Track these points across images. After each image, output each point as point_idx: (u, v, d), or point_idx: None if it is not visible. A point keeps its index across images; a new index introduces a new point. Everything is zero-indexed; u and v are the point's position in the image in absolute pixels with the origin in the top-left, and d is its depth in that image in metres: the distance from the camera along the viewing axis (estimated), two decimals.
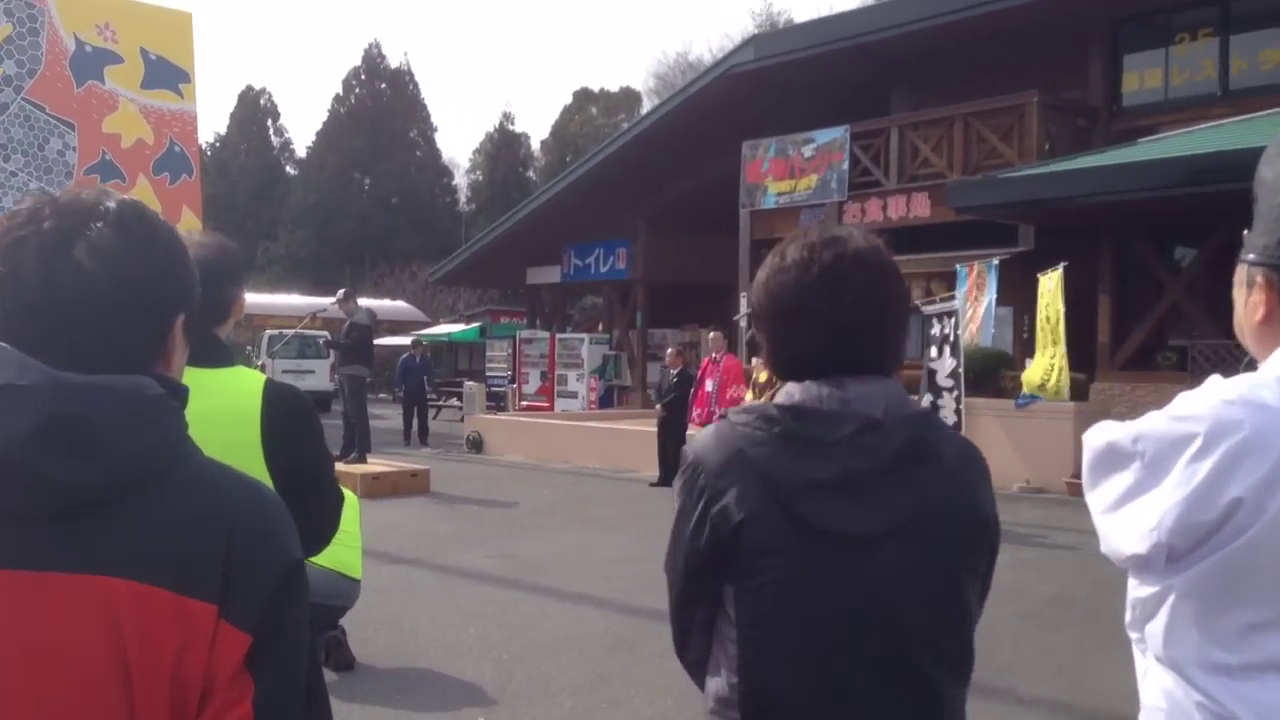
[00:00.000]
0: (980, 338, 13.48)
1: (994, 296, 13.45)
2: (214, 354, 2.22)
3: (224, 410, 2.15)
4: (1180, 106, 15.38)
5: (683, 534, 1.60)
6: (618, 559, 8.48)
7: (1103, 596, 6.99)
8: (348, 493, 6.23)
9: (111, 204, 1.16)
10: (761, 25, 44.12)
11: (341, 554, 5.77)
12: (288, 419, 2.20)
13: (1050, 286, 12.16)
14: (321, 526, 2.31)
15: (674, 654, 1.70)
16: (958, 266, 13.98)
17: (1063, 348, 11.99)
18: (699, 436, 1.63)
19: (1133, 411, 8.75)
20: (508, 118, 55.60)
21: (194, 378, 2.24)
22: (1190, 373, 13.30)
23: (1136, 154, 12.80)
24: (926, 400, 10.90)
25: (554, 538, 9.48)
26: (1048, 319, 12.17)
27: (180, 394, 1.22)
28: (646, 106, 47.28)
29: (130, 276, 1.13)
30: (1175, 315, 14.17)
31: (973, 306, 13.32)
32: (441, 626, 6.42)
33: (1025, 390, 12.45)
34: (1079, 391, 12.64)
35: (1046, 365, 11.95)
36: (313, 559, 2.43)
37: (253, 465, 2.15)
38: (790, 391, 1.56)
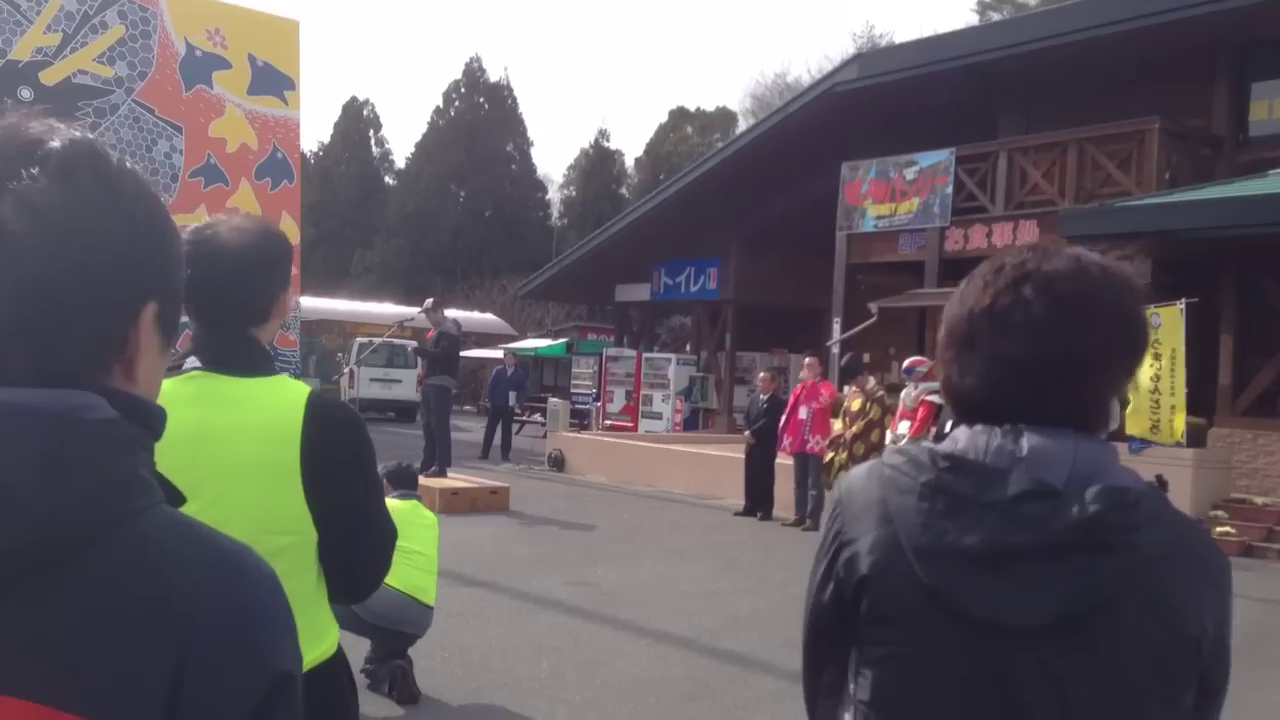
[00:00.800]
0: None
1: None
2: (250, 360, 1.90)
3: (258, 426, 1.82)
4: None
5: (812, 581, 1.42)
6: (700, 593, 8.07)
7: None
8: (427, 513, 5.99)
9: (56, 143, 0.81)
10: (862, 46, 43.47)
11: (416, 577, 5.49)
12: (334, 438, 1.85)
13: (1160, 322, 11.39)
14: (369, 569, 1.95)
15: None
16: None
17: (1182, 389, 11.21)
18: (852, 474, 1.41)
19: (1254, 460, 8.00)
20: (603, 134, 55.95)
21: (225, 388, 1.85)
22: None
23: (1270, 186, 12.01)
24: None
25: (634, 566, 9.11)
26: (1156, 356, 11.39)
27: (147, 418, 0.85)
28: (742, 126, 46.93)
29: (73, 247, 0.79)
30: None
31: None
32: (513, 659, 6.09)
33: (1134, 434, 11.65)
34: (1197, 437, 11.86)
35: (1150, 408, 11.18)
36: (386, 581, 2.09)
37: (289, 493, 1.81)
38: (956, 437, 1.30)
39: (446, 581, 8.11)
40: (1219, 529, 11.06)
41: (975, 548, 1.20)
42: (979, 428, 1.27)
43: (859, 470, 1.39)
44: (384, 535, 1.97)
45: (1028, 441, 1.23)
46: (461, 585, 8.02)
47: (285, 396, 1.87)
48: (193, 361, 1.89)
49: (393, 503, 5.48)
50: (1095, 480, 1.20)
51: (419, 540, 5.61)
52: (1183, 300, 11.58)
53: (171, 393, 1.81)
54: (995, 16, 36.98)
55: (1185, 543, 1.23)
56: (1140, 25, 14.53)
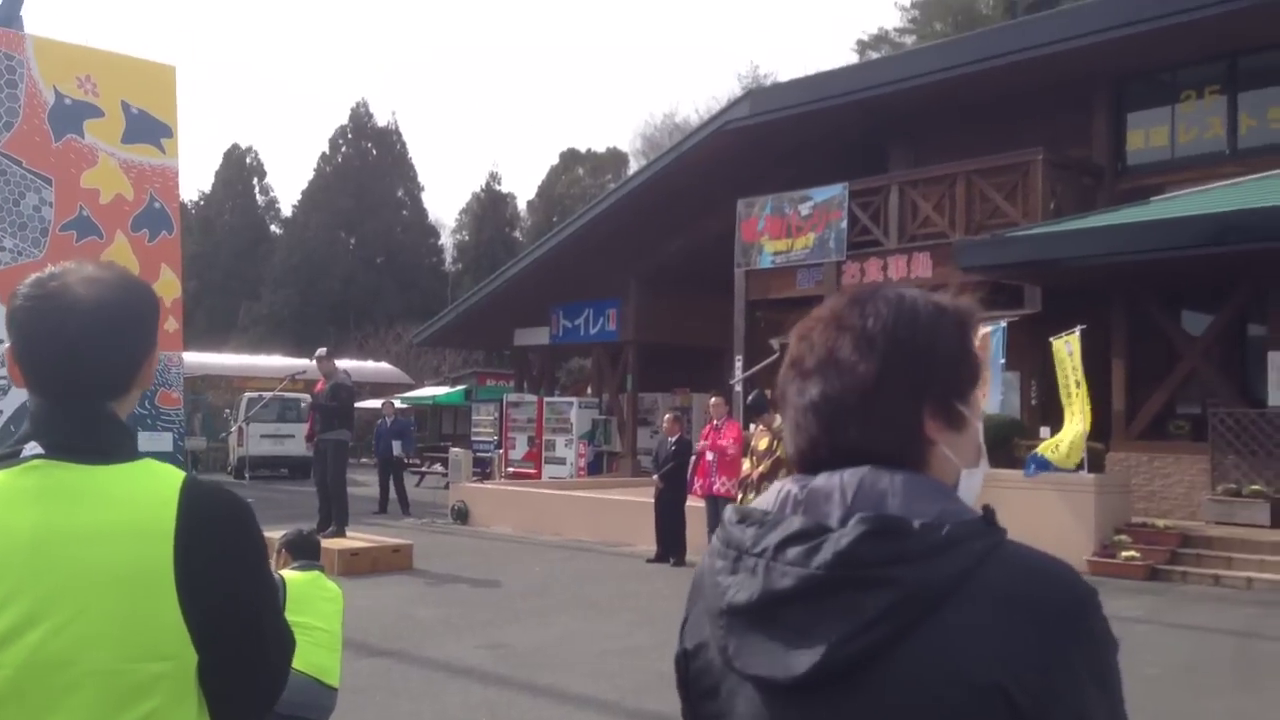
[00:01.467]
0: (988, 403, 12.87)
1: (1002, 360, 12.86)
2: (107, 442, 1.52)
3: (119, 527, 1.46)
4: (1188, 165, 15.01)
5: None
6: (619, 650, 7.75)
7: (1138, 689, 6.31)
8: (329, 584, 5.54)
9: None
10: (747, 86, 44.13)
11: (318, 655, 5.04)
12: (216, 536, 1.50)
13: (1071, 351, 11.57)
14: (264, 690, 1.59)
15: None
16: (995, 327, 13.36)
17: (1088, 415, 11.36)
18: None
19: (1151, 483, 8.06)
20: (494, 177, 55.51)
21: (75, 480, 1.44)
22: (1211, 442, 12.75)
23: (1153, 212, 12.34)
24: None
25: (548, 624, 8.74)
26: (1076, 384, 11.54)
27: None
28: (634, 167, 47.19)
29: None
30: (1192, 382, 13.63)
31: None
32: None
33: (1039, 452, 11.75)
34: (1096, 462, 12.02)
35: (1075, 434, 11.30)
36: None
37: (160, 609, 1.45)
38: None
39: (349, 653, 7.61)
40: (1124, 553, 11.18)
41: (751, 601, 1.11)
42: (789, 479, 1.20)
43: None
44: (281, 646, 1.62)
45: (818, 481, 1.14)
46: (365, 656, 7.55)
47: (152, 487, 1.50)
48: (33, 447, 1.49)
49: (292, 574, 5.08)
50: (877, 510, 1.08)
51: (321, 615, 5.18)
52: (1078, 328, 11.81)
53: (3, 489, 1.46)
54: (874, 55, 37.94)
55: (993, 576, 1.05)
56: (1021, 58, 14.92)
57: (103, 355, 1.54)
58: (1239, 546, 11.09)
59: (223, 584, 1.49)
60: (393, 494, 18.70)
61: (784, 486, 1.17)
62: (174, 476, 1.53)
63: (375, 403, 34.16)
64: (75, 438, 1.51)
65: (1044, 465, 11.60)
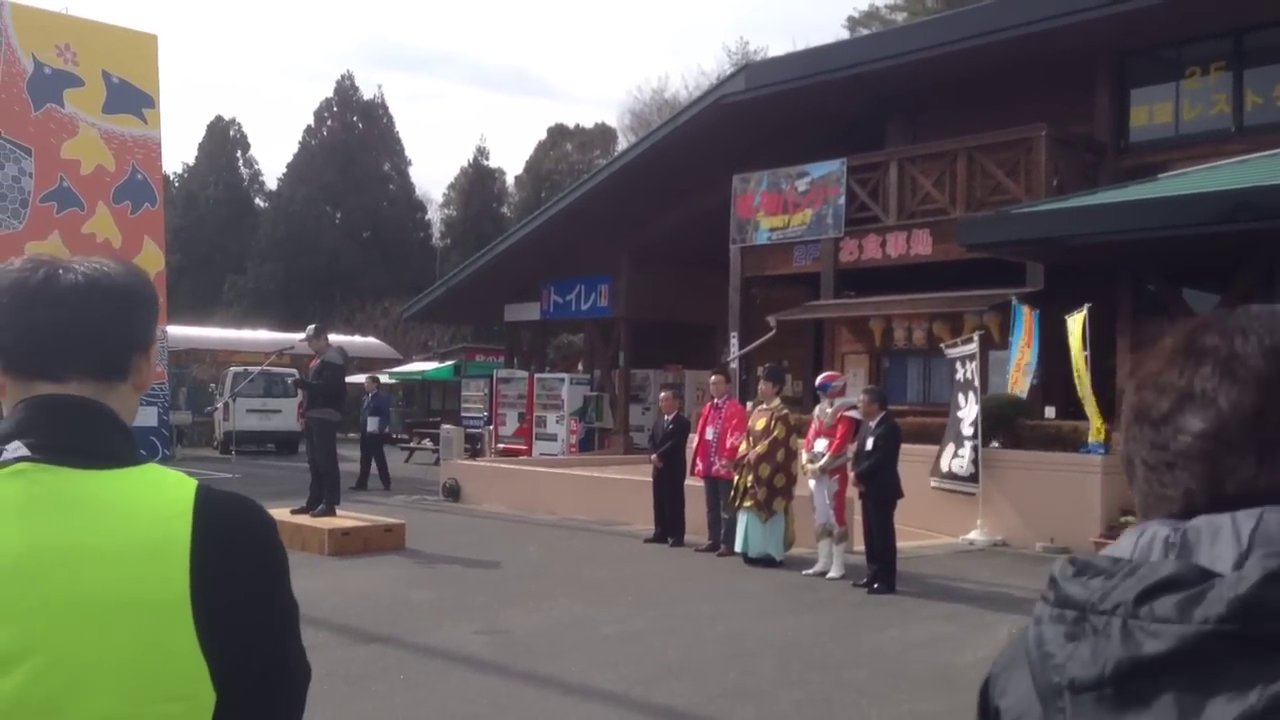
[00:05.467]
0: (1022, 385, 12.69)
1: (1020, 339, 12.69)
2: (106, 443, 1.27)
3: (124, 546, 1.20)
4: (1192, 143, 14.78)
5: None
6: (621, 635, 7.53)
7: None
8: None
9: None
10: (737, 62, 43.68)
11: None
12: (240, 556, 1.24)
13: (1074, 329, 11.39)
14: None
15: None
16: (1015, 304, 13.12)
17: (1090, 395, 11.18)
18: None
19: None
20: (482, 152, 54.93)
21: (69, 488, 1.16)
22: None
23: (1161, 189, 12.11)
24: (951, 453, 10.05)
25: (547, 608, 8.51)
26: (1086, 361, 11.38)
27: None
28: (622, 143, 46.78)
29: None
30: None
31: (1022, 352, 12.52)
32: None
33: (1092, 440, 11.60)
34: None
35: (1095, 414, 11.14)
36: None
37: (175, 642, 1.19)
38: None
39: (344, 639, 7.41)
40: None
41: (1098, 676, 0.84)
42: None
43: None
44: (302, 679, 1.37)
45: (1190, 522, 0.87)
46: (360, 642, 7.32)
47: (162, 497, 1.24)
48: (16, 448, 1.23)
49: None
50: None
51: None
52: (1085, 305, 11.62)
53: None
54: (864, 32, 37.49)
55: None
56: (1021, 33, 14.64)
57: (96, 320, 1.30)
58: None
59: (248, 611, 1.24)
60: (374, 469, 18.55)
61: (1147, 527, 0.90)
62: (186, 485, 1.27)
63: (361, 378, 33.91)
64: (67, 437, 1.25)
65: (1101, 447, 11.48)
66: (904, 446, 9.74)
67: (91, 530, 1.20)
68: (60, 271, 1.31)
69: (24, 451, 1.22)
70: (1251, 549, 0.81)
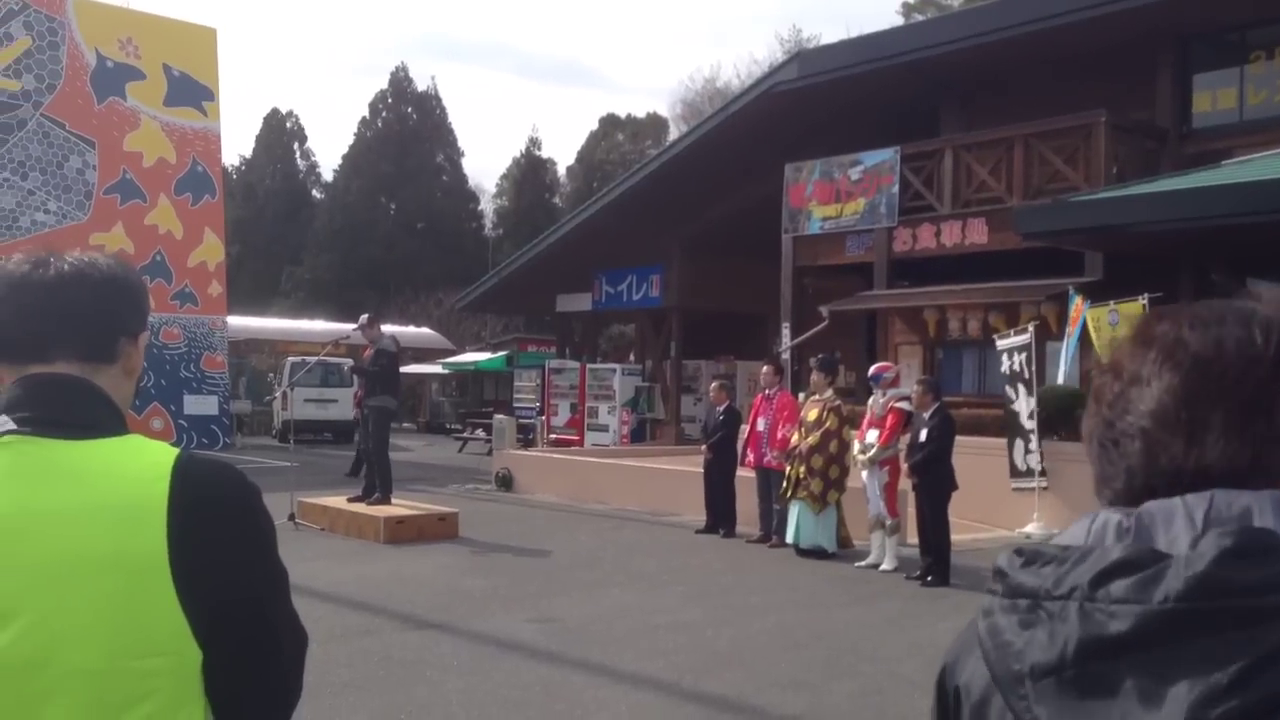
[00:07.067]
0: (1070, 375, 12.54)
1: (1075, 331, 12.52)
2: (90, 415, 1.36)
3: (104, 506, 1.27)
4: (1257, 129, 14.41)
5: None
6: (672, 625, 7.56)
7: None
8: None
9: None
10: (789, 50, 43.38)
11: None
12: (216, 517, 1.32)
13: (1115, 321, 11.19)
14: (276, 695, 1.39)
15: None
16: (1071, 291, 12.94)
17: None
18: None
19: None
20: (534, 143, 55.13)
21: (53, 456, 1.24)
22: None
23: (1225, 176, 11.84)
24: (1023, 450, 9.87)
25: (598, 597, 8.57)
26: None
27: None
28: (674, 133, 46.64)
29: None
30: None
31: (1066, 341, 12.38)
32: (479, 717, 5.51)
33: None
34: None
35: None
36: None
37: (154, 598, 1.26)
38: None
39: (398, 624, 7.53)
40: None
41: (1058, 659, 0.87)
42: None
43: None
44: (294, 644, 1.42)
45: (1143, 507, 0.90)
46: (414, 628, 7.42)
47: (141, 462, 1.32)
48: (4, 422, 1.33)
49: None
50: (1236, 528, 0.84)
51: None
52: (1145, 296, 11.41)
53: None
54: (919, 18, 37.07)
55: None
56: (1081, 18, 14.37)
57: (86, 314, 1.40)
58: None
59: (225, 569, 1.31)
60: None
61: (1098, 515, 0.92)
62: (166, 452, 1.35)
63: (426, 367, 34.24)
64: (53, 410, 1.34)
65: None
66: (958, 438, 9.65)
67: (74, 493, 1.28)
68: (51, 261, 1.41)
69: (10, 425, 1.32)
70: (1206, 529, 0.82)
